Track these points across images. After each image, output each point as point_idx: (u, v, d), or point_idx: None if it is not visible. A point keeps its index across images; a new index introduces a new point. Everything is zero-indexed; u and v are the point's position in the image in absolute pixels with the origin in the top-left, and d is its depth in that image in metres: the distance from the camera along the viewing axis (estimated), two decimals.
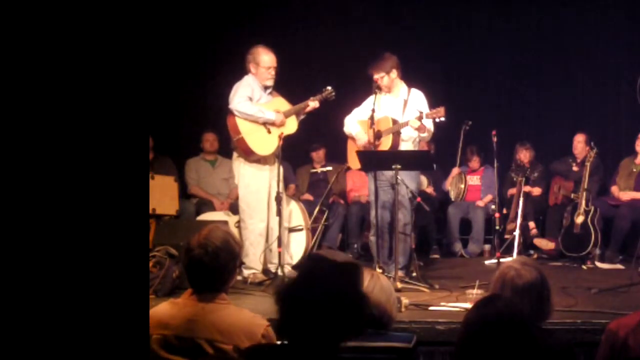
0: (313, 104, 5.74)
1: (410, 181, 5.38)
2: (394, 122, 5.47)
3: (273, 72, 5.65)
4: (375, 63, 5.51)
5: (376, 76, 5.50)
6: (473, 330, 1.95)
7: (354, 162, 5.75)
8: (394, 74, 5.53)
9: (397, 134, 5.48)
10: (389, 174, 5.39)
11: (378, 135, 5.40)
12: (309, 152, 7.85)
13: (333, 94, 5.77)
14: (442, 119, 5.30)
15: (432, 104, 5.46)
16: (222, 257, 2.60)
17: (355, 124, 5.68)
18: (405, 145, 5.54)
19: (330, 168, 7.72)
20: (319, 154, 7.84)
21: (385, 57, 5.53)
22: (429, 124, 5.42)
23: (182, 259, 2.77)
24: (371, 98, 5.59)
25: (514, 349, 1.88)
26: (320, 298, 1.94)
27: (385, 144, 5.45)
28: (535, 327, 2.37)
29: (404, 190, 5.32)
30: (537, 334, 2.02)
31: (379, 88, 5.52)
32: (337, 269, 2.01)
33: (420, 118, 5.32)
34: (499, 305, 1.99)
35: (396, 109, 5.57)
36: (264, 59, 5.62)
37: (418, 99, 5.58)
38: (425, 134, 5.48)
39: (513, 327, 1.92)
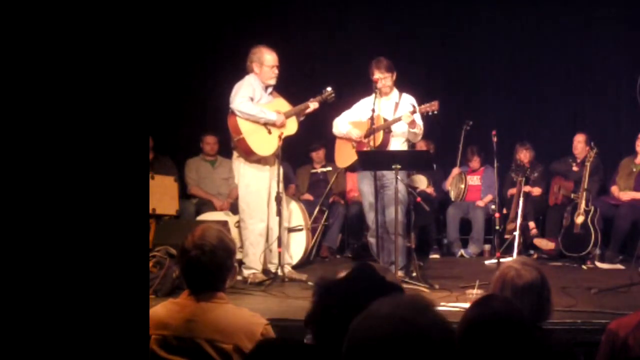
0: (313, 105, 5.75)
1: (402, 179, 5.42)
2: (384, 120, 5.54)
3: (277, 71, 5.68)
4: (380, 63, 5.55)
5: (381, 75, 5.53)
6: (470, 330, 1.95)
7: (341, 161, 5.84)
8: (394, 77, 5.60)
9: (387, 131, 5.53)
10: (379, 173, 5.43)
11: (370, 133, 5.44)
12: (309, 152, 7.86)
13: (333, 95, 5.79)
14: (435, 112, 5.35)
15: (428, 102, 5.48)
16: (220, 255, 2.59)
17: (346, 124, 5.72)
18: (396, 142, 5.59)
19: (329, 168, 7.73)
20: (319, 154, 7.85)
21: (386, 60, 5.58)
22: (418, 120, 5.47)
23: (178, 261, 2.75)
24: (363, 101, 5.74)
25: (512, 348, 1.88)
26: (354, 305, 1.92)
27: (376, 141, 5.49)
28: (533, 327, 2.37)
29: (400, 187, 5.33)
30: (536, 333, 2.02)
31: (378, 89, 5.54)
32: (381, 286, 1.98)
33: (413, 112, 5.37)
34: (496, 304, 1.99)
35: (388, 110, 5.63)
36: (268, 58, 5.64)
37: (409, 101, 5.65)
38: (415, 129, 5.50)
39: (510, 326, 1.91)
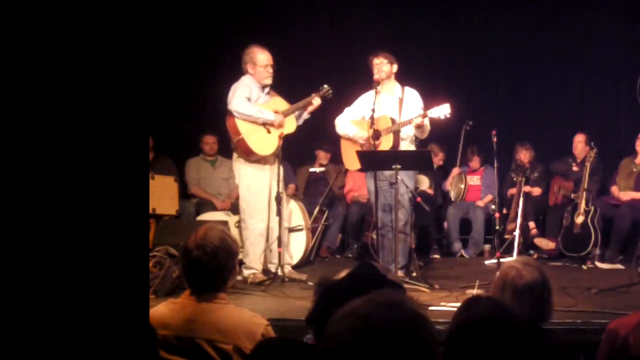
0: (316, 101, 5.72)
1: (408, 180, 5.38)
2: (392, 121, 5.48)
3: (271, 70, 5.65)
4: (379, 51, 5.53)
5: (378, 61, 5.50)
6: (458, 336, 1.94)
7: (350, 163, 5.75)
8: (395, 68, 5.56)
9: (397, 133, 5.47)
10: (387, 173, 5.39)
11: (377, 135, 5.40)
12: (314, 148, 7.81)
13: (330, 91, 5.77)
14: (448, 115, 5.28)
15: (432, 104, 5.44)
16: (221, 256, 2.59)
17: (350, 125, 5.67)
18: (404, 144, 5.54)
19: (323, 168, 7.73)
20: (326, 155, 7.80)
21: (386, 51, 5.57)
22: (426, 120, 5.42)
23: (179, 261, 2.75)
24: (364, 96, 5.66)
25: (501, 348, 1.87)
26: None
27: (386, 144, 5.44)
28: (528, 324, 2.36)
29: (403, 190, 5.32)
30: (528, 330, 2.00)
31: (378, 84, 5.51)
32: (383, 285, 1.97)
33: (424, 116, 5.30)
34: (481, 305, 1.97)
35: (392, 107, 5.57)
36: (261, 58, 5.62)
37: (413, 97, 5.59)
38: (422, 129, 5.45)
39: (497, 326, 1.90)
